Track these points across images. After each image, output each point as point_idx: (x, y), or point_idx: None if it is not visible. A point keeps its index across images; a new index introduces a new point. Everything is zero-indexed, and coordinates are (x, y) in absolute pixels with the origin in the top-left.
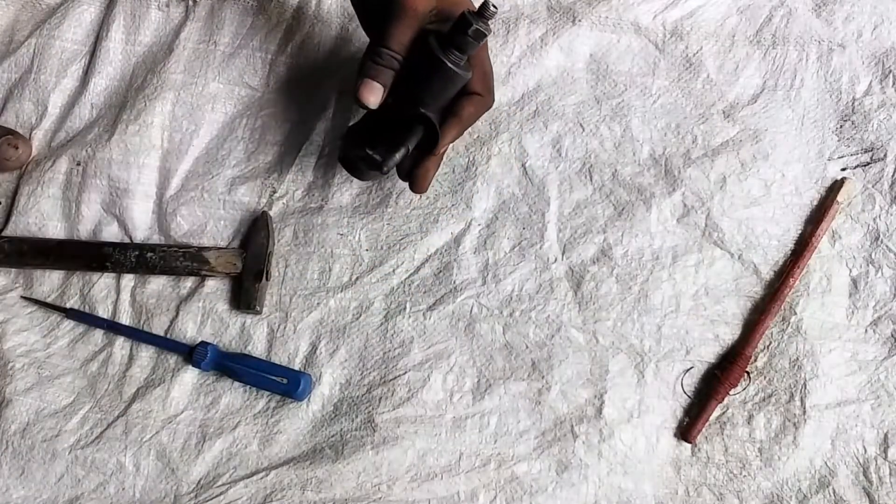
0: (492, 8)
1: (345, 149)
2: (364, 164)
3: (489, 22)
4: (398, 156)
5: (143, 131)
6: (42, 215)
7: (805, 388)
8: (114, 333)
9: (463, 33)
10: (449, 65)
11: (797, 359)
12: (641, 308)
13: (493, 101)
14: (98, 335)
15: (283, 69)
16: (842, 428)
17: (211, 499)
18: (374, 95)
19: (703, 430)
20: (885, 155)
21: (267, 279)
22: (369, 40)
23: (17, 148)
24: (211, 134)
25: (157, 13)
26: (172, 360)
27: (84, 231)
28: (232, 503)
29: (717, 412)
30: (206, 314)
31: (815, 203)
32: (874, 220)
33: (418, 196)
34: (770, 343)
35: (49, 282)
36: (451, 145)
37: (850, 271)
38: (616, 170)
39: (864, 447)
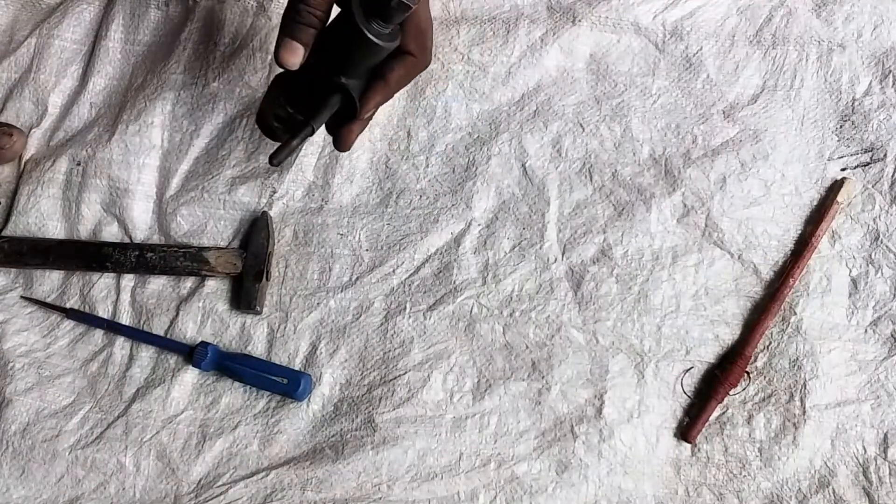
0: None
1: (264, 105)
2: (280, 124)
3: None
4: (315, 125)
5: (143, 131)
6: (42, 215)
7: (805, 388)
8: (114, 333)
9: (387, 3)
10: (370, 36)
11: (797, 359)
12: (641, 308)
13: (430, 60)
14: (98, 335)
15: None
16: (842, 428)
17: (211, 499)
18: (293, 56)
19: (703, 430)
20: (885, 155)
21: (267, 279)
22: None
23: (12, 136)
24: (211, 134)
25: (156, 13)
26: (172, 360)
27: (84, 231)
28: (232, 503)
29: (717, 412)
30: (206, 314)
31: (815, 203)
32: (874, 220)
33: (418, 195)
34: (770, 343)
35: (49, 282)
36: (447, 143)
37: (850, 271)
38: (616, 170)
39: (864, 447)
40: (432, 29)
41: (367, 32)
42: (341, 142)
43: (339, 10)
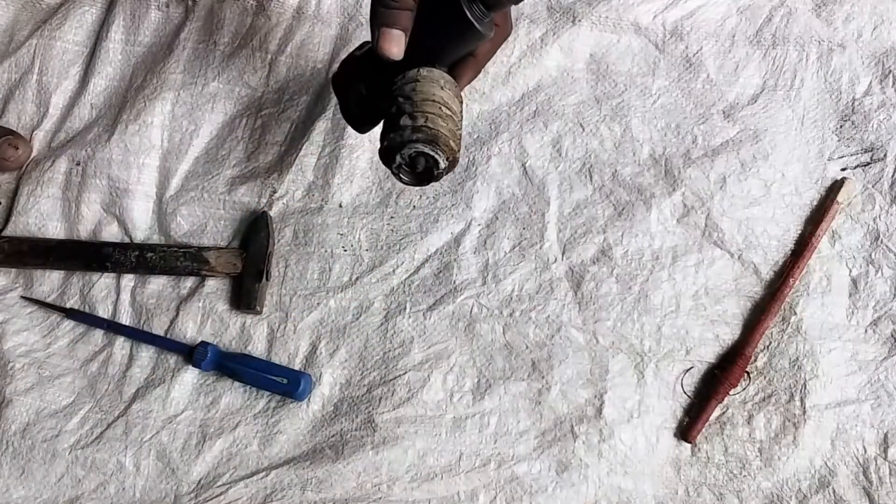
0: None
1: (346, 93)
2: (363, 110)
3: None
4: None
5: (143, 131)
6: (42, 215)
7: (805, 388)
8: (114, 333)
9: None
10: (472, 19)
11: (797, 359)
12: (641, 308)
13: (511, 28)
14: (98, 335)
15: (283, 69)
16: (842, 428)
17: (211, 499)
18: (396, 45)
19: (703, 430)
20: (885, 155)
21: (267, 279)
22: None
23: (17, 148)
24: (211, 134)
25: (156, 13)
26: (172, 360)
27: (84, 231)
28: (232, 503)
29: (717, 412)
30: (206, 314)
31: (815, 203)
32: (874, 220)
33: (419, 195)
34: (770, 343)
35: (49, 282)
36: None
37: (850, 271)
38: (616, 170)
39: (864, 447)
40: None
41: (473, 21)
42: None
43: None
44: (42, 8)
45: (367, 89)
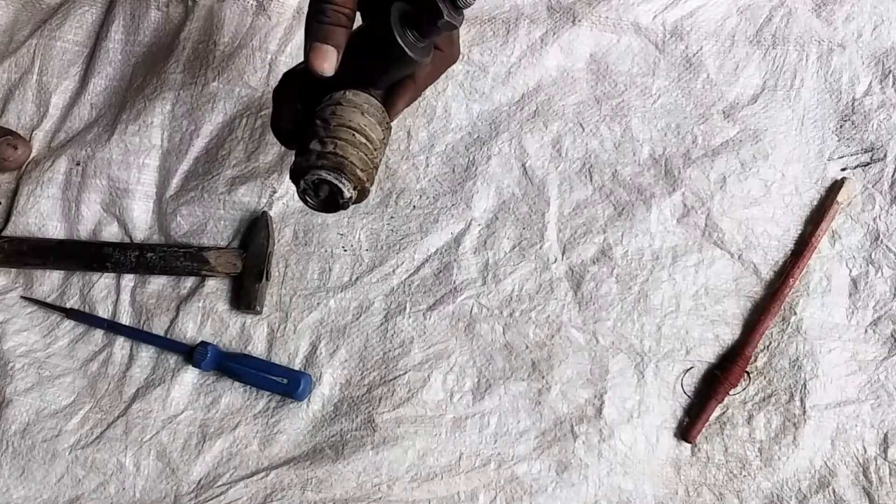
0: None
1: (279, 109)
2: (298, 129)
3: (463, 11)
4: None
5: (143, 131)
6: (42, 215)
7: (805, 388)
8: (114, 333)
9: (430, 22)
10: (408, 51)
11: (797, 359)
12: (641, 308)
13: (458, 54)
14: (98, 335)
15: (283, 69)
16: (842, 428)
17: (211, 499)
18: (326, 61)
19: (703, 430)
20: (885, 155)
21: (267, 279)
22: None
23: (17, 148)
24: (211, 134)
25: (156, 13)
26: (172, 360)
27: (84, 231)
28: (232, 503)
29: (717, 412)
30: (206, 314)
31: (815, 203)
32: (874, 220)
33: (419, 196)
34: (770, 343)
35: (49, 282)
36: (447, 143)
37: (850, 271)
38: (616, 170)
39: (864, 447)
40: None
41: (404, 47)
42: None
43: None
44: (42, 8)
45: (303, 106)
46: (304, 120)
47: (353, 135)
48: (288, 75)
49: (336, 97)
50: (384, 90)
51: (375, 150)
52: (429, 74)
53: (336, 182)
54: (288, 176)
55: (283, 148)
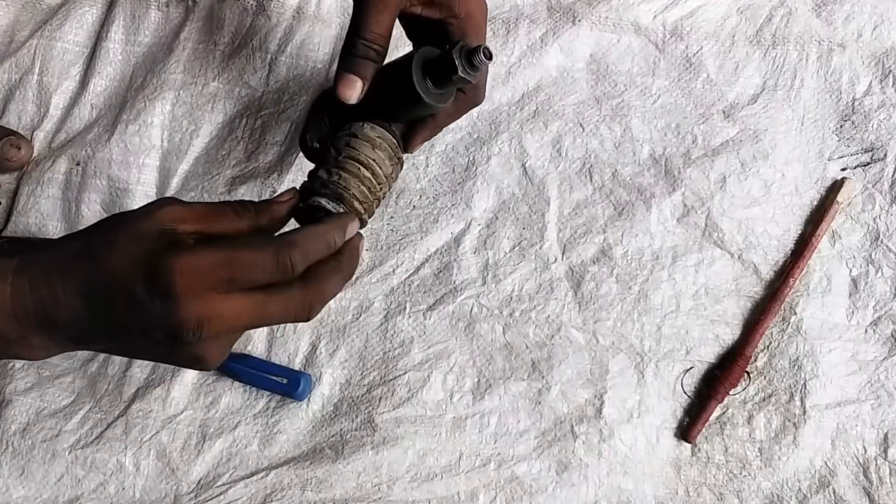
0: (483, 57)
1: (308, 127)
2: (322, 147)
3: (479, 69)
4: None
5: (143, 131)
6: (42, 215)
7: (805, 388)
8: None
9: (445, 75)
10: (424, 97)
11: (797, 359)
12: (641, 308)
13: (482, 98)
14: None
15: (283, 69)
16: (842, 428)
17: (211, 499)
18: (351, 90)
19: (703, 430)
20: (885, 155)
21: None
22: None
23: (20, 148)
24: (211, 134)
25: (156, 13)
26: None
27: None
28: (232, 503)
29: (717, 412)
30: None
31: (815, 203)
32: (874, 220)
33: (419, 196)
34: (770, 343)
35: None
36: (447, 143)
37: (850, 271)
38: (616, 170)
39: (864, 447)
40: (487, 67)
41: (421, 93)
42: None
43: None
44: (42, 8)
45: (329, 125)
46: (326, 139)
47: (359, 168)
48: (325, 92)
49: (354, 129)
50: (405, 123)
51: (380, 184)
52: (450, 115)
53: (333, 211)
54: (288, 176)
55: (283, 148)
